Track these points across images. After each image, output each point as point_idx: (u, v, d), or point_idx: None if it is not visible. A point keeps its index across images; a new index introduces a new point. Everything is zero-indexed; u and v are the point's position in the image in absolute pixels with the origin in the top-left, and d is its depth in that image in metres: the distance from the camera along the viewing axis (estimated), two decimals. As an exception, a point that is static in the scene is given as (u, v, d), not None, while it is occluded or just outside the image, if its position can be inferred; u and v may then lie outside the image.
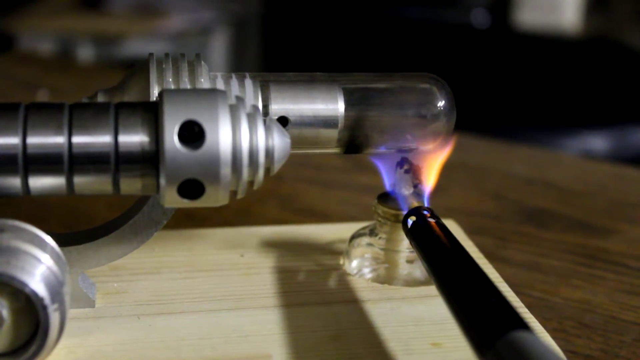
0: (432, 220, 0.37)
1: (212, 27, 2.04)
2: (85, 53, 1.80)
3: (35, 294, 0.31)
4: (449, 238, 0.35)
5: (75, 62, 1.50)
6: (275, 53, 2.13)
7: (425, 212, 0.38)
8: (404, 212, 0.39)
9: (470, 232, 0.47)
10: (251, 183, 0.33)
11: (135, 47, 1.81)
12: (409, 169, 0.40)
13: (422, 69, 0.42)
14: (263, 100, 0.38)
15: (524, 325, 0.28)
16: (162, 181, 0.32)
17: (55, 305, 0.31)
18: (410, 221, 0.38)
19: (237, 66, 2.12)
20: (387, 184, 0.41)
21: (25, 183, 0.32)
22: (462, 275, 0.32)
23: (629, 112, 1.53)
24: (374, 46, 1.87)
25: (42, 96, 0.82)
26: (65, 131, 0.32)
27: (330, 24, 2.00)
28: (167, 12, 1.96)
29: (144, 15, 1.95)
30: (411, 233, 0.37)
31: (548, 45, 1.72)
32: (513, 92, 1.66)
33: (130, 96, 0.37)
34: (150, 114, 0.33)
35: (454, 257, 0.34)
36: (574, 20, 1.82)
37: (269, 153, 0.33)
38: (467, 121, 0.61)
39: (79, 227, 0.39)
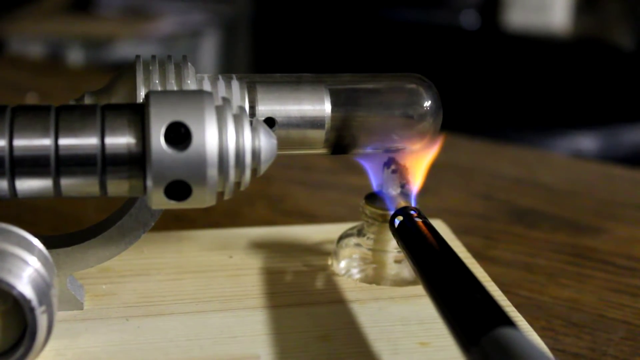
0: (419, 220, 0.37)
1: (202, 30, 2.04)
2: (74, 56, 1.80)
3: (22, 296, 0.31)
4: (435, 237, 0.35)
5: (64, 65, 1.50)
6: (265, 55, 2.13)
7: (412, 212, 0.38)
8: (391, 212, 0.39)
9: (459, 232, 0.47)
10: (238, 184, 0.33)
11: (125, 50, 1.81)
12: (396, 169, 0.40)
13: (412, 70, 0.42)
14: (250, 102, 0.38)
15: (509, 322, 0.28)
16: (149, 183, 0.32)
17: (43, 308, 0.31)
18: (397, 221, 0.38)
19: (227, 69, 2.12)
20: (374, 185, 0.41)
21: (12, 185, 0.32)
22: (448, 273, 0.32)
23: (618, 112, 1.54)
24: (364, 48, 1.87)
25: (31, 99, 0.82)
26: (52, 133, 0.32)
27: (320, 26, 2.00)
28: (156, 15, 1.96)
29: (133, 18, 1.94)
30: (398, 233, 0.37)
31: (538, 45, 1.72)
32: (503, 93, 1.66)
33: (117, 98, 0.37)
34: (137, 116, 0.33)
35: (440, 256, 0.34)
36: (563, 21, 1.82)
37: (255, 154, 0.33)
38: (457, 121, 0.61)
39: (67, 230, 0.39)
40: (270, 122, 0.38)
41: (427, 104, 0.39)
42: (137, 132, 0.32)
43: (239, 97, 0.38)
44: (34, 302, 0.31)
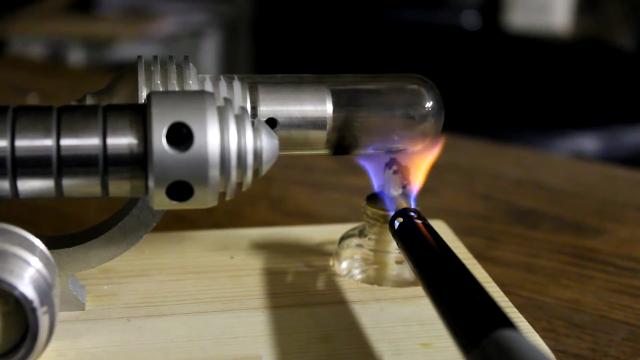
0: (418, 222, 0.37)
1: (203, 30, 2.04)
2: (76, 57, 1.80)
3: (24, 296, 0.31)
4: (435, 239, 0.35)
5: (66, 66, 1.50)
6: (266, 56, 2.13)
7: (412, 213, 0.38)
8: (392, 214, 0.39)
9: (460, 233, 0.47)
10: (240, 185, 0.33)
11: (126, 50, 1.81)
12: (398, 169, 0.40)
13: (413, 70, 0.42)
14: (251, 102, 0.38)
15: (509, 324, 0.28)
16: (151, 183, 0.32)
17: (45, 308, 0.31)
18: (397, 222, 0.38)
19: (228, 69, 2.12)
20: (376, 185, 0.41)
21: (13, 186, 0.32)
22: (447, 275, 0.32)
23: (619, 113, 1.54)
24: (365, 48, 1.87)
25: (32, 100, 0.82)
26: (54, 134, 0.32)
27: (321, 26, 2.00)
28: (158, 15, 1.96)
29: (134, 18, 1.94)
30: (398, 234, 0.37)
31: (538, 46, 1.72)
32: (504, 93, 1.66)
33: (118, 99, 0.37)
34: (139, 116, 0.33)
35: (439, 258, 0.34)
36: (564, 22, 1.82)
37: (257, 154, 0.33)
38: (458, 122, 0.61)
39: (69, 230, 0.39)
40: (271, 122, 0.38)
41: (429, 104, 0.39)
42: (139, 133, 0.32)
43: (240, 97, 0.38)
44: (36, 302, 0.31)
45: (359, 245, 0.42)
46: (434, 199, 0.60)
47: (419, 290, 0.39)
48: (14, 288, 0.30)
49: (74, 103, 0.37)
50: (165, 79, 0.37)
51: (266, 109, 0.38)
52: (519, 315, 0.38)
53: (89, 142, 0.32)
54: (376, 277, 0.41)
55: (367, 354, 0.35)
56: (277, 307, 0.38)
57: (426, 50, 1.79)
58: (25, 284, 0.31)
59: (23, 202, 0.34)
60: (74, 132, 0.32)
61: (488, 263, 0.47)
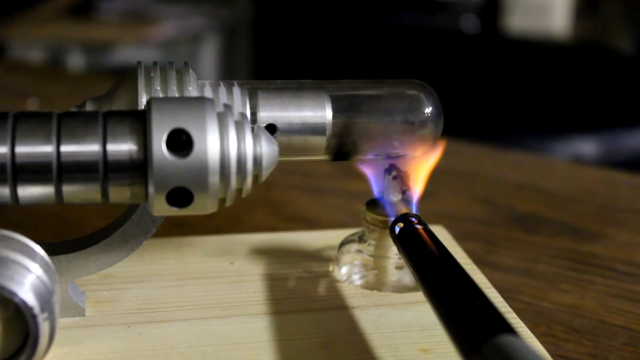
0: (419, 227, 0.37)
1: (202, 35, 2.04)
2: (75, 61, 1.80)
3: (24, 303, 0.31)
4: (436, 244, 0.35)
5: (65, 70, 1.50)
6: (265, 60, 2.13)
7: (412, 219, 0.38)
8: (392, 219, 0.39)
9: (459, 238, 0.47)
10: (239, 191, 0.33)
11: (126, 54, 1.81)
12: (397, 175, 0.40)
13: (413, 75, 0.42)
14: (251, 108, 0.38)
15: (510, 329, 0.28)
16: (151, 189, 0.32)
17: (45, 315, 0.31)
18: (397, 228, 0.38)
19: (228, 73, 2.12)
20: (376, 191, 0.41)
21: (14, 192, 0.32)
22: (448, 281, 0.32)
23: (618, 117, 1.54)
24: (364, 52, 1.87)
25: (32, 105, 0.82)
26: (54, 140, 0.32)
27: (320, 30, 2.00)
28: (157, 19, 1.96)
29: (134, 23, 1.95)
30: (398, 240, 0.37)
31: (538, 50, 1.72)
32: (503, 97, 1.66)
33: (118, 105, 0.37)
34: (139, 123, 0.33)
35: (440, 263, 0.34)
36: (563, 25, 1.82)
37: (256, 160, 0.33)
38: (457, 126, 0.61)
39: (69, 236, 0.39)
40: (271, 128, 0.38)
41: (428, 110, 0.39)
42: (139, 139, 0.32)
43: (240, 103, 0.38)
44: (36, 309, 0.31)
45: (359, 251, 0.42)
46: (434, 204, 0.60)
47: (419, 295, 0.39)
48: (15, 295, 0.30)
49: (74, 109, 0.37)
50: (165, 85, 0.37)
51: (266, 115, 0.38)
52: (519, 320, 0.38)
53: (89, 148, 0.32)
54: (376, 283, 0.41)
55: (367, 360, 0.35)
56: (277, 313, 0.38)
57: (425, 54, 1.79)
58: (26, 291, 0.31)
59: (23, 208, 0.34)
60: (74, 139, 0.32)
61: (488, 268, 0.47)
